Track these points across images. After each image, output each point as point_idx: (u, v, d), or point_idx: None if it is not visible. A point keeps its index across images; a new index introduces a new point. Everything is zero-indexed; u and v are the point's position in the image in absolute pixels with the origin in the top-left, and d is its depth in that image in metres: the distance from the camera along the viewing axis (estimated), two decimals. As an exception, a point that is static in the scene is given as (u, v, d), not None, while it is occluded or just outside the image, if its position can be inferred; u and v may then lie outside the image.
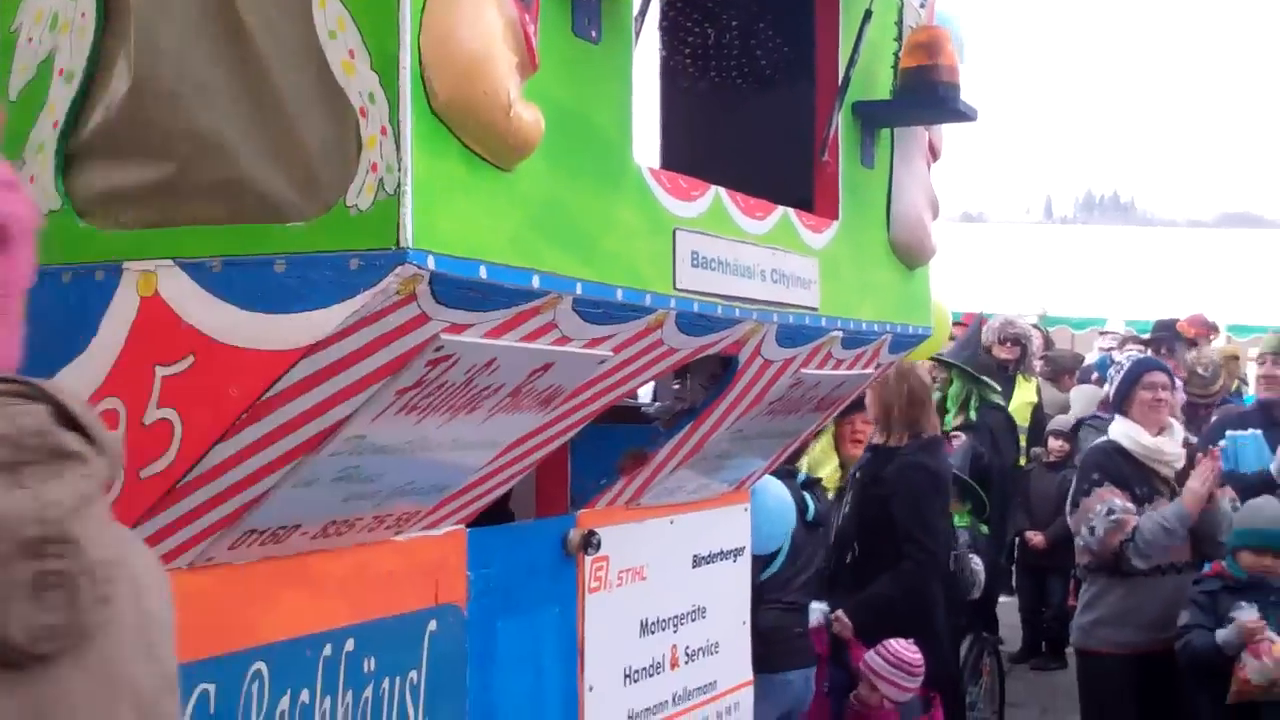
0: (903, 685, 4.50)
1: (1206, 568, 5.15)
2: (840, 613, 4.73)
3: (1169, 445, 5.34)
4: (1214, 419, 6.26)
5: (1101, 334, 16.15)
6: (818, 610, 4.66)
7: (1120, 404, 5.45)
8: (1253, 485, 5.47)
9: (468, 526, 2.32)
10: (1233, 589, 5.02)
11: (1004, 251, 24.66)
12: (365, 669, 2.09)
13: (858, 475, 5.06)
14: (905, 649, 4.47)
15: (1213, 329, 8.91)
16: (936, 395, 7.39)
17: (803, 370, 2.82)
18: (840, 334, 2.82)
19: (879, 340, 3.05)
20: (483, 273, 1.72)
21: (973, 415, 7.25)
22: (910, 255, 3.13)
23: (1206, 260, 25.25)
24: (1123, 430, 5.32)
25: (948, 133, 3.40)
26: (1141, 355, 6.26)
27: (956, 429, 7.18)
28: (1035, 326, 10.02)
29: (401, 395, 1.80)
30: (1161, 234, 32.06)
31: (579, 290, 1.94)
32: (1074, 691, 5.86)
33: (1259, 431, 5.65)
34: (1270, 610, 4.97)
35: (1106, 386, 7.05)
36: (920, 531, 4.79)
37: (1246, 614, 4.84)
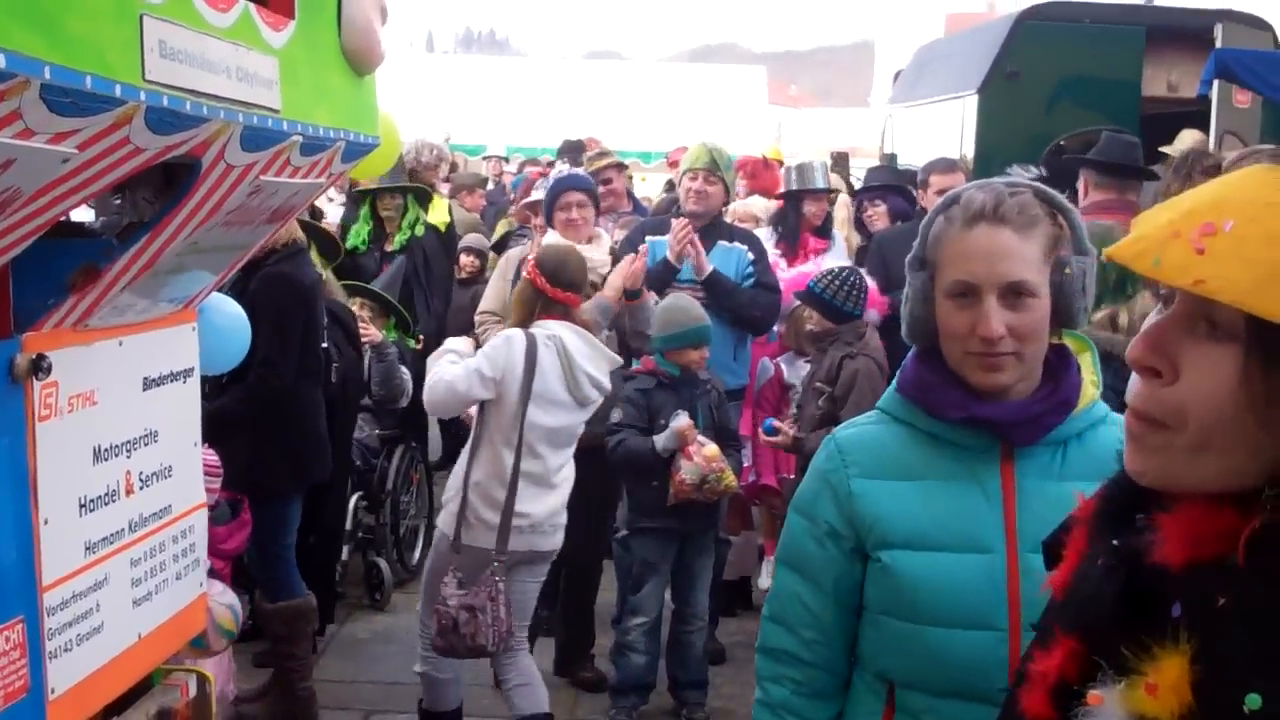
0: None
1: (636, 364, 5.52)
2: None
3: (595, 253, 5.72)
4: (636, 225, 6.70)
5: (486, 159, 16.67)
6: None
7: (549, 219, 5.80)
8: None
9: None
10: (665, 385, 5.43)
11: (396, 81, 24.64)
12: None
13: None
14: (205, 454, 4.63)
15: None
16: (388, 215, 7.47)
17: (263, 177, 2.70)
18: (300, 139, 2.72)
19: (334, 148, 2.98)
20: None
21: (418, 233, 7.37)
22: (360, 61, 3.06)
23: (574, 90, 26.56)
24: (551, 241, 5.69)
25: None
26: (564, 173, 6.54)
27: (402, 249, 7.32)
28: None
29: None
30: (533, 67, 33.29)
31: (47, 75, 1.73)
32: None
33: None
34: (699, 401, 5.44)
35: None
36: (270, 343, 4.87)
37: (680, 420, 5.25)
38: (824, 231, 7.43)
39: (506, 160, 15.79)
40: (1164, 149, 7.14)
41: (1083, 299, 2.18)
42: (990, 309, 2.11)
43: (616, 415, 5.36)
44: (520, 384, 4.73)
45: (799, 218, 7.29)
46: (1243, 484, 1.27)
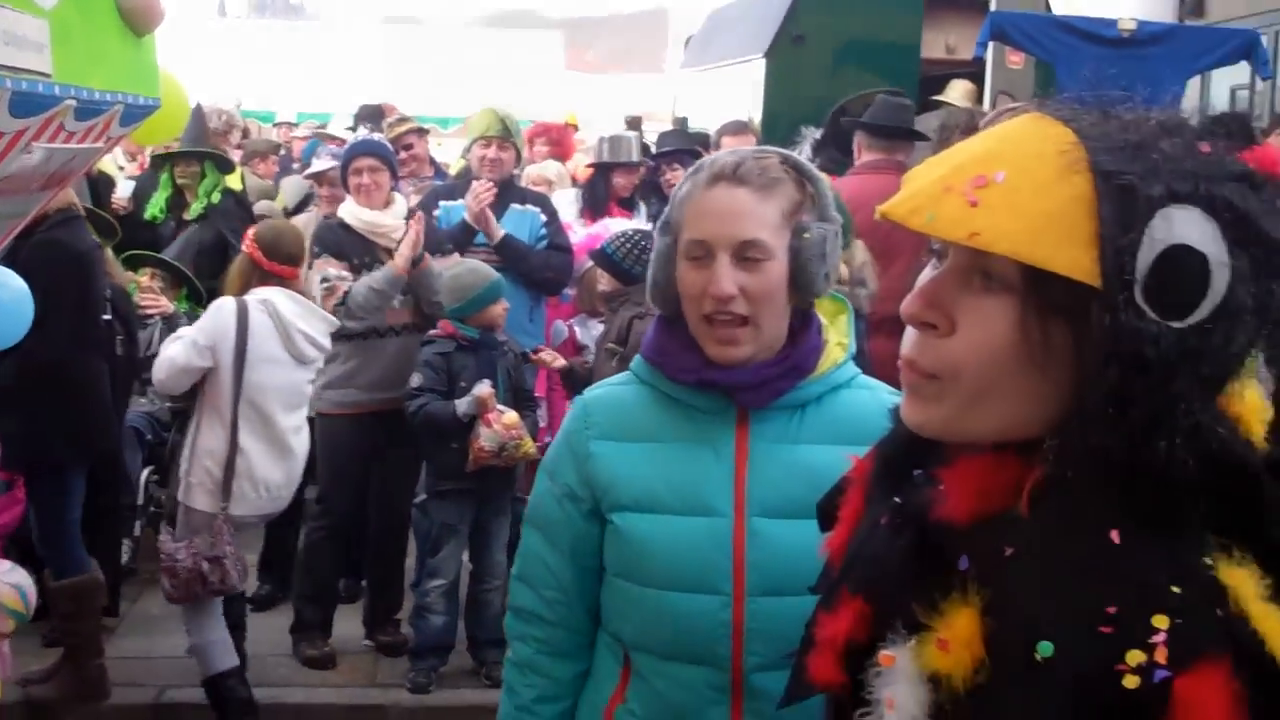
0: None
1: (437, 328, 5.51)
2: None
3: (387, 219, 5.73)
4: (428, 191, 6.69)
5: (277, 125, 16.31)
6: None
7: (345, 184, 5.79)
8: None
9: None
10: (464, 348, 5.46)
11: (186, 47, 23.86)
12: None
13: None
14: None
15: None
16: (185, 183, 7.28)
17: (34, 144, 2.65)
18: (74, 103, 2.67)
19: (111, 111, 2.93)
20: None
21: (215, 200, 7.21)
22: (138, 21, 3.01)
23: (371, 56, 26.15)
24: (346, 208, 5.70)
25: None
26: (360, 138, 6.48)
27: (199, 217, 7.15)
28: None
29: None
30: (329, 32, 32.59)
31: None
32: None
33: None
34: (498, 362, 5.48)
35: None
36: (40, 311, 4.80)
37: (482, 387, 5.29)
38: (630, 204, 7.51)
39: (295, 126, 15.47)
40: (936, 98, 7.43)
41: (822, 265, 2.14)
42: (722, 268, 2.08)
43: (416, 380, 5.36)
44: (234, 347, 4.92)
45: (608, 188, 7.36)
46: (1024, 434, 1.28)
